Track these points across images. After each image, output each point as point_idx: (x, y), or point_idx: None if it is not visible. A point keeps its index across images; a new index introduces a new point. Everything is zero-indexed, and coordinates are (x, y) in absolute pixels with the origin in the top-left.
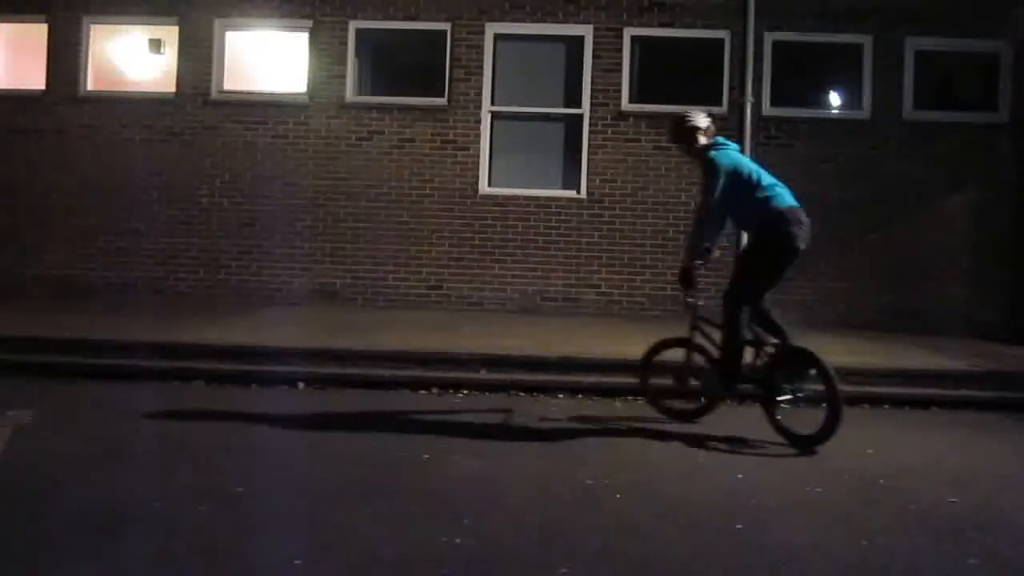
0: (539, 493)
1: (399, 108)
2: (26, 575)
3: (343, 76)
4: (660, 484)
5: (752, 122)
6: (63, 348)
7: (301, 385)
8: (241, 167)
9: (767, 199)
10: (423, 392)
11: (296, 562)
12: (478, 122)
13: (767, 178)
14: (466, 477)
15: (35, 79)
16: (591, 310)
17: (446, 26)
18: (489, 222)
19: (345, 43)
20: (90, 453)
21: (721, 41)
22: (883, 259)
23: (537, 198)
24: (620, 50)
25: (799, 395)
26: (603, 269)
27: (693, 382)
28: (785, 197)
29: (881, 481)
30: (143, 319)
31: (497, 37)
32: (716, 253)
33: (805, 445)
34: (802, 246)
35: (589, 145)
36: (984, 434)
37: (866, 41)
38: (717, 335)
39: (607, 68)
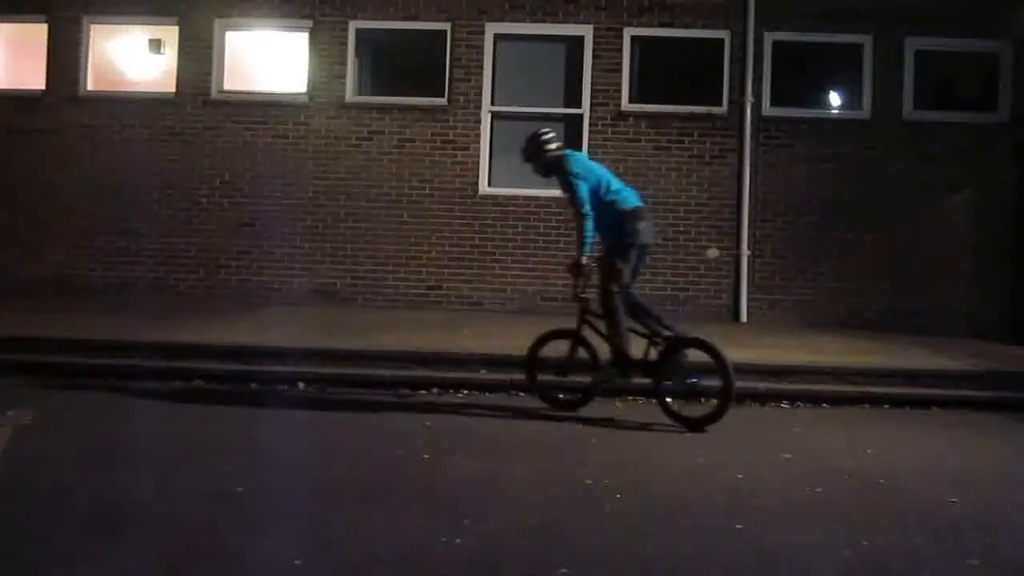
0: (539, 493)
1: (399, 108)
2: (26, 575)
3: (343, 76)
4: (660, 484)
5: (752, 122)
6: (63, 348)
7: (301, 385)
8: (241, 167)
9: (613, 202)
10: (423, 392)
11: (296, 562)
12: (478, 122)
13: (615, 183)
14: (466, 477)
15: (35, 79)
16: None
17: (446, 26)
18: (489, 222)
19: (345, 43)
20: (90, 453)
21: (721, 41)
22: (883, 259)
23: (537, 198)
24: (620, 50)
25: (691, 380)
26: None
27: (577, 374)
28: (630, 199)
29: (881, 481)
30: (143, 319)
31: (497, 37)
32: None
33: (698, 426)
34: (649, 240)
35: (589, 145)
36: (984, 434)
37: (866, 41)
38: (604, 326)
39: (607, 68)
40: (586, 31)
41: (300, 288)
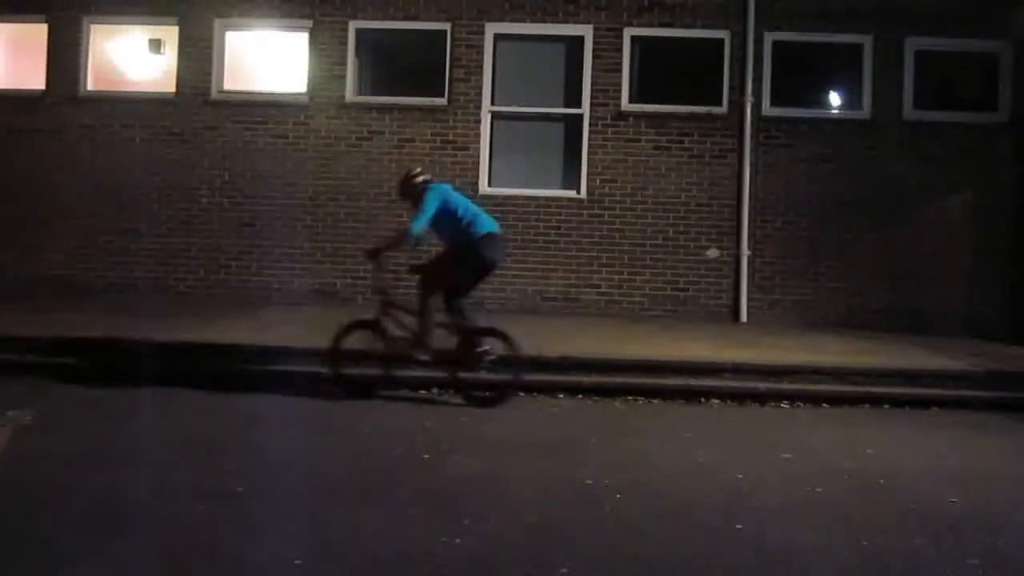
0: (539, 493)
1: (399, 108)
2: (26, 575)
3: (343, 76)
4: (660, 484)
5: (752, 122)
6: (63, 348)
7: (301, 385)
8: (241, 167)
9: (469, 224)
10: (423, 392)
11: (296, 562)
12: (478, 122)
13: (472, 210)
14: (466, 477)
15: (35, 79)
16: (591, 310)
17: (446, 26)
18: None
19: (345, 43)
20: (90, 453)
21: (721, 41)
22: (883, 259)
23: (537, 198)
24: (620, 50)
25: (487, 364)
26: (603, 269)
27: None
28: (484, 224)
29: (881, 481)
30: (143, 319)
31: (497, 37)
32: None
33: (491, 404)
34: (496, 260)
35: (589, 145)
36: (984, 434)
37: (866, 41)
38: (408, 319)
39: (607, 68)
40: (586, 31)
41: (300, 288)
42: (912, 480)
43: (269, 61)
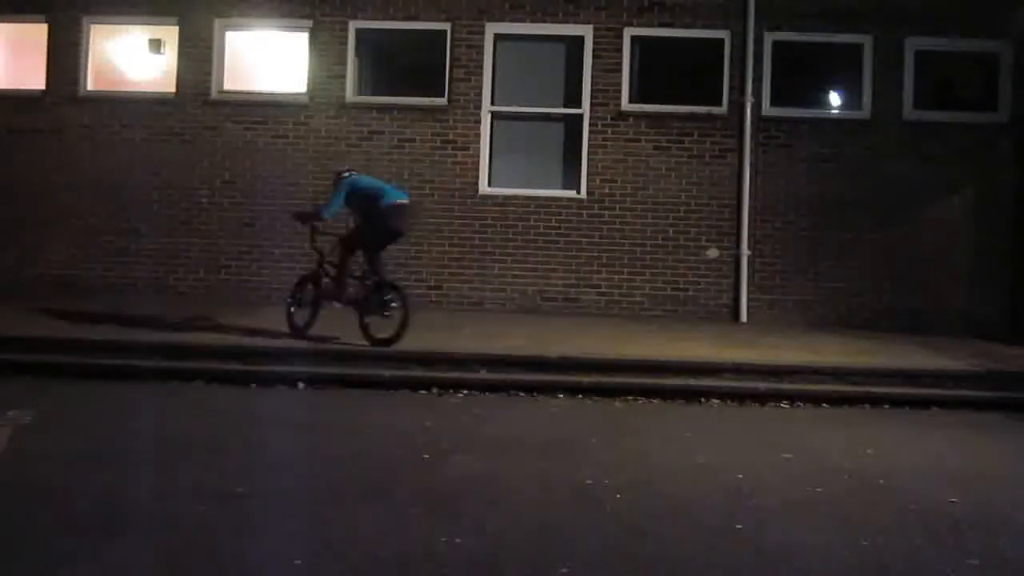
0: (539, 493)
1: (399, 108)
2: (26, 575)
3: (343, 76)
4: (660, 484)
5: (752, 122)
6: (63, 348)
7: (301, 385)
8: (241, 167)
9: (378, 198)
10: (423, 392)
11: (296, 562)
12: (478, 122)
13: (386, 188)
14: (466, 477)
15: (35, 79)
16: (591, 310)
17: (446, 26)
18: (489, 222)
19: (345, 43)
20: (90, 453)
21: (721, 41)
22: (883, 259)
23: (537, 198)
24: (620, 50)
25: (386, 311)
26: (603, 269)
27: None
28: (390, 196)
29: (881, 481)
30: (143, 319)
31: (497, 37)
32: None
33: (384, 345)
34: (397, 227)
35: (589, 145)
36: (984, 434)
37: (866, 41)
38: (334, 271)
39: (607, 68)
40: (586, 31)
41: None
42: (912, 480)
43: (269, 61)
